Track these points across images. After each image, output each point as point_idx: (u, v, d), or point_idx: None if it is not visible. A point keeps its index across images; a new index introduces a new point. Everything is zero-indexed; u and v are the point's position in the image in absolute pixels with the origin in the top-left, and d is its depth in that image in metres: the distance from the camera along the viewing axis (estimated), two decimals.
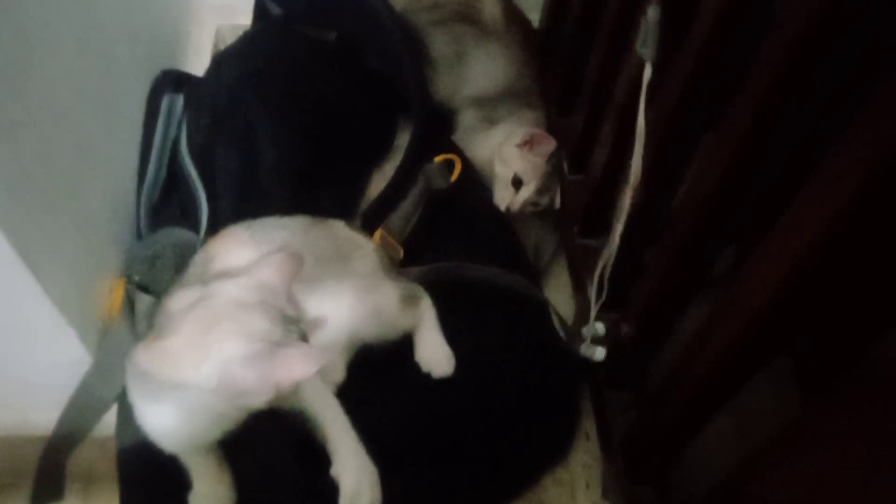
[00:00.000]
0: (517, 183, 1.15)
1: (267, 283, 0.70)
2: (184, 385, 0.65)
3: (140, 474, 0.83)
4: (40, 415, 0.86)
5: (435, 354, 0.89)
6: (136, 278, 0.91)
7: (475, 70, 1.23)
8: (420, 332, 0.90)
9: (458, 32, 1.23)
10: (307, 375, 0.62)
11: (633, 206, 0.82)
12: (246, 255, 0.79)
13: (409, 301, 0.89)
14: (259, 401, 0.64)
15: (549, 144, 1.15)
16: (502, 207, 1.16)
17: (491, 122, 1.21)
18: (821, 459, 0.50)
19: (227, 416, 0.69)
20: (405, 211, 1.01)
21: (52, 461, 0.85)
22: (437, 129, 1.05)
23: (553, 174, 1.17)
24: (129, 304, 0.87)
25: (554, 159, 1.16)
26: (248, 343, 0.64)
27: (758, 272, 0.58)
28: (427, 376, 0.88)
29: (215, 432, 0.72)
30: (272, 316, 0.67)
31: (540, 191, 1.16)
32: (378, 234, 0.96)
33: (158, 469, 0.78)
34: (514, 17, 1.27)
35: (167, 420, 0.69)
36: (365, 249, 0.90)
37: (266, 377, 0.62)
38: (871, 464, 0.45)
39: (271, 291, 0.69)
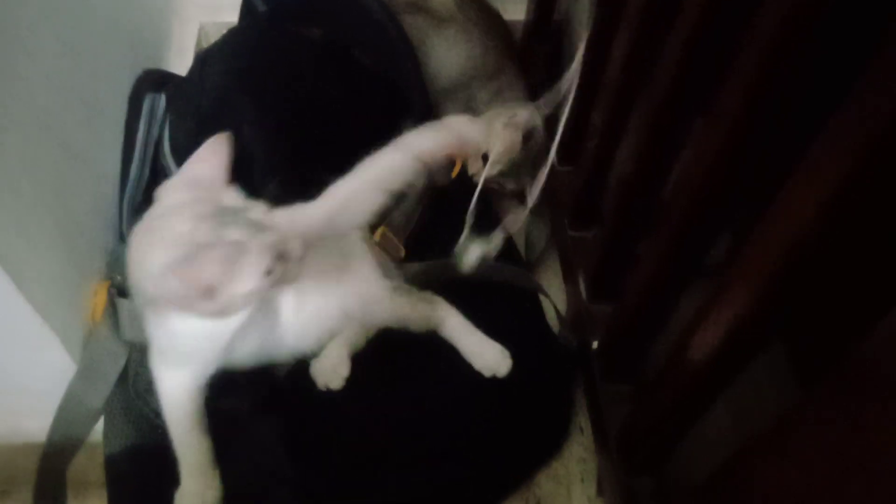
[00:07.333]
0: (485, 158, 1.11)
1: (196, 176, 0.67)
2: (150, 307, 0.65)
3: (128, 480, 0.82)
4: (33, 421, 0.85)
5: (488, 354, 0.86)
6: (119, 279, 0.89)
7: (439, 59, 1.20)
8: (456, 334, 0.87)
9: (411, 24, 1.19)
10: (224, 274, 0.60)
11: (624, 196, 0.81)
12: None
13: (410, 294, 0.87)
14: (209, 309, 0.62)
15: (527, 117, 1.09)
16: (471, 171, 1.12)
17: (473, 111, 1.19)
18: (817, 449, 0.50)
19: (216, 331, 0.68)
20: (407, 207, 0.98)
21: (51, 470, 0.83)
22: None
23: (527, 163, 1.14)
24: (113, 308, 0.86)
25: (535, 148, 1.14)
26: (169, 249, 0.62)
27: (751, 260, 0.58)
28: (419, 371, 0.87)
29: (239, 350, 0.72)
30: (199, 212, 0.63)
31: (505, 174, 1.13)
32: (380, 231, 0.94)
33: (147, 475, 0.77)
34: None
35: (169, 346, 0.70)
36: (351, 237, 0.88)
37: (189, 281, 0.60)
38: (868, 453, 0.45)
39: (201, 185, 0.66)
